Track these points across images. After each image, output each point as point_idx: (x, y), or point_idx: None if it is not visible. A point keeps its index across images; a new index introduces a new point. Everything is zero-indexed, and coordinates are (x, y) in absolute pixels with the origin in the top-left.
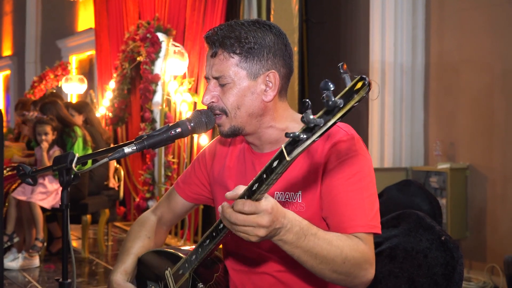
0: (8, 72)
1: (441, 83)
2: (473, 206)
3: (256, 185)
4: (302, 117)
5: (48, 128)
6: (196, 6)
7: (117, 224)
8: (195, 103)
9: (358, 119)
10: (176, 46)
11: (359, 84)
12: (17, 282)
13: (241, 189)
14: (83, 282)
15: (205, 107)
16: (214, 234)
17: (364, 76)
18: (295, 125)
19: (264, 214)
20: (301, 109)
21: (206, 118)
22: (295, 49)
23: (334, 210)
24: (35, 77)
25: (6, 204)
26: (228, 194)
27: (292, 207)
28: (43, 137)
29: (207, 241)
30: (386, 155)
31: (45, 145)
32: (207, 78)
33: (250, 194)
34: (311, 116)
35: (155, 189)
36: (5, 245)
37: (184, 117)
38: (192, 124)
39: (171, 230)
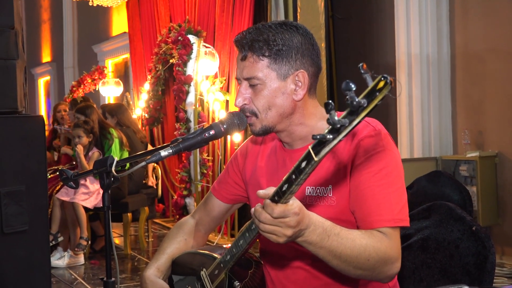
0: (48, 77)
1: (468, 72)
2: (504, 193)
3: (286, 185)
4: (328, 119)
5: (81, 132)
6: (225, 7)
7: (157, 220)
8: (227, 101)
9: (387, 111)
10: (207, 47)
11: (381, 84)
12: (63, 280)
13: (272, 189)
14: (126, 278)
15: (237, 108)
16: (247, 234)
17: (385, 76)
18: (324, 122)
19: (293, 216)
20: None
21: (238, 120)
22: (322, 45)
23: (360, 205)
24: (74, 82)
25: (51, 205)
26: (260, 192)
27: (323, 201)
28: (77, 140)
29: (241, 241)
30: (416, 145)
31: (79, 148)
32: (237, 80)
33: (280, 194)
34: (336, 117)
35: (191, 186)
36: (50, 244)
37: (217, 116)
38: (225, 126)
39: None
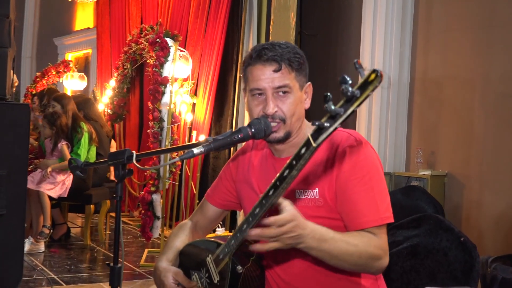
0: None
1: (425, 96)
2: (450, 210)
3: (287, 171)
4: (325, 107)
5: (45, 122)
6: (199, 15)
7: (113, 214)
8: (193, 104)
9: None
10: (181, 51)
11: (372, 76)
12: (25, 266)
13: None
14: (87, 267)
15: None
16: (250, 219)
17: (376, 69)
18: (308, 130)
19: (289, 222)
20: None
21: (265, 125)
22: None
23: (349, 209)
24: (38, 73)
25: None
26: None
27: (312, 202)
28: (42, 129)
29: (245, 226)
30: None
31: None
32: (257, 90)
33: (282, 179)
34: (333, 107)
35: (159, 184)
36: None
37: (183, 117)
38: (253, 130)
39: None
